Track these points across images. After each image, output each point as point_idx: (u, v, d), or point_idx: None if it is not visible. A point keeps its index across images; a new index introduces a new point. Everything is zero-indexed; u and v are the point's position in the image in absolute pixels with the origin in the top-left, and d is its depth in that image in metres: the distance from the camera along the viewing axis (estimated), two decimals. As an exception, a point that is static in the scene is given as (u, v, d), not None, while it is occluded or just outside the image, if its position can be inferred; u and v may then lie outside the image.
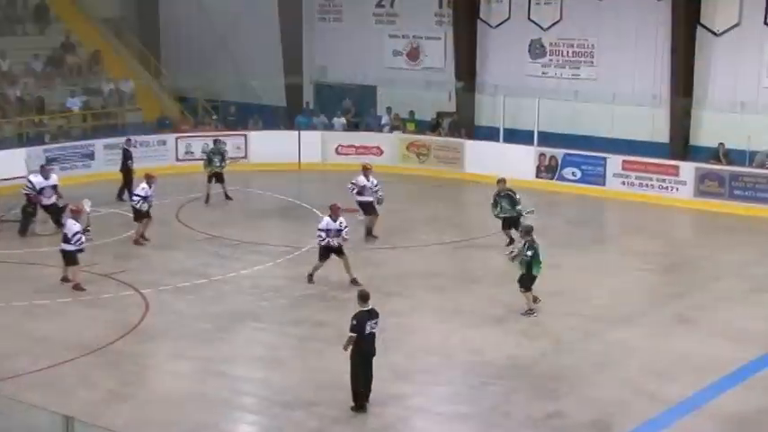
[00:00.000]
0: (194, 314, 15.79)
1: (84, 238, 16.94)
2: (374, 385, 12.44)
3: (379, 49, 29.66)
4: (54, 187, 20.57)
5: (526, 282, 15.64)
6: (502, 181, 19.29)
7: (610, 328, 15.25)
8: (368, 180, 19.96)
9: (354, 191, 19.99)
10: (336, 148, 27.77)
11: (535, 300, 15.78)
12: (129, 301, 16.37)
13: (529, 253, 15.49)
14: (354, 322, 12.21)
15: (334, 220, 17.01)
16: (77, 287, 16.79)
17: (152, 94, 30.74)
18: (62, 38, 30.20)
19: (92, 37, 31.16)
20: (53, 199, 20.45)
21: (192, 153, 27.41)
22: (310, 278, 17.22)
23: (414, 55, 29.43)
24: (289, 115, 30.02)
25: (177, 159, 27.21)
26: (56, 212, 20.34)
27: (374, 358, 12.43)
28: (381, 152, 27.63)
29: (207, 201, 23.30)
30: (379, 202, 20.03)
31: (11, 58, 28.47)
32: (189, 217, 22.14)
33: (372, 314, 12.38)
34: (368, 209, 20.02)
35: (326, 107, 29.87)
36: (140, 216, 19.71)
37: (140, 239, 19.63)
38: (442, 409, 12.41)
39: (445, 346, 14.52)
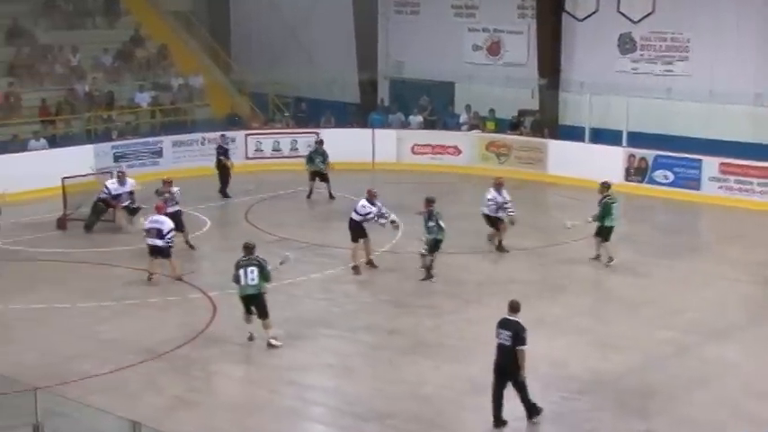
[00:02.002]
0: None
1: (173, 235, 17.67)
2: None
3: (457, 44, 29.55)
4: (130, 193, 21.13)
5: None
6: (605, 185, 18.93)
7: (705, 342, 14.92)
8: (499, 194, 19.45)
9: (492, 208, 19.37)
10: (412, 148, 27.74)
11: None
12: (197, 304, 16.54)
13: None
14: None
15: (372, 204, 18.35)
16: (179, 278, 17.50)
17: (221, 90, 31.11)
18: (131, 31, 30.75)
19: (161, 30, 31.66)
20: (127, 204, 21.11)
21: (261, 151, 27.67)
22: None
23: (494, 50, 29.25)
24: (362, 112, 30.09)
25: (247, 157, 27.48)
26: (131, 214, 21.04)
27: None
28: (459, 152, 27.54)
29: (309, 196, 23.98)
30: (512, 222, 19.52)
31: (81, 53, 29.07)
32: (258, 218, 22.31)
33: (503, 324, 12.13)
34: (495, 223, 19.57)
35: (402, 104, 29.87)
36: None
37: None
38: (521, 425, 12.26)
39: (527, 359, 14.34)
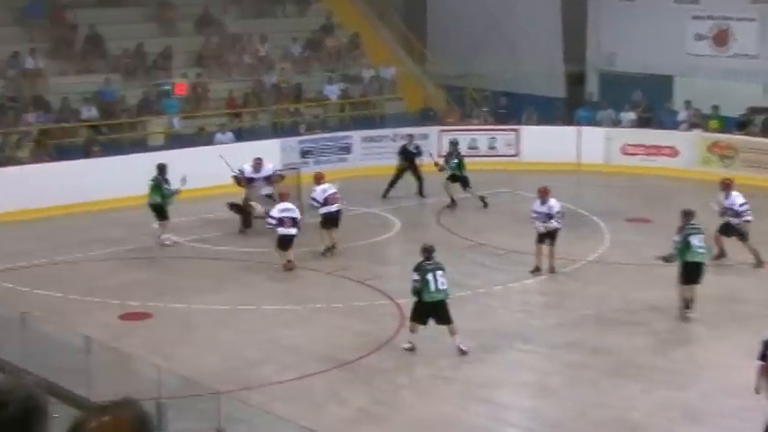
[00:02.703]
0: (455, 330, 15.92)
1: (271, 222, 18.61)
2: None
3: (678, 33, 28.75)
4: (267, 179, 21.59)
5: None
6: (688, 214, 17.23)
7: None
8: (726, 198, 18.83)
9: (720, 212, 18.81)
10: (622, 148, 27.21)
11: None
12: (384, 311, 16.78)
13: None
14: None
15: (543, 203, 18.29)
16: (287, 266, 18.58)
17: (415, 83, 31.45)
18: (322, 19, 31.52)
19: (353, 18, 32.31)
20: (267, 191, 21.46)
21: (456, 149, 27.77)
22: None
23: (721, 39, 28.29)
24: (568, 108, 29.74)
25: (440, 156, 27.62)
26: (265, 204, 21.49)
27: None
28: (676, 153, 26.79)
29: (451, 204, 23.60)
30: (742, 235, 18.59)
31: (270, 42, 30.05)
32: (451, 221, 22.42)
33: None
34: (729, 231, 18.88)
35: (612, 100, 29.31)
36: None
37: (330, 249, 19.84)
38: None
39: (749, 388, 13.79)
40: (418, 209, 23.44)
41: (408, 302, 16.82)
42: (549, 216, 18.49)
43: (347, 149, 27.09)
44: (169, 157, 23.80)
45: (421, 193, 24.28)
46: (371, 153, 26.59)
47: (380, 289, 17.76)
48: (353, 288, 17.86)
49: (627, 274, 18.50)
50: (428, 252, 15.12)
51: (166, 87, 27.06)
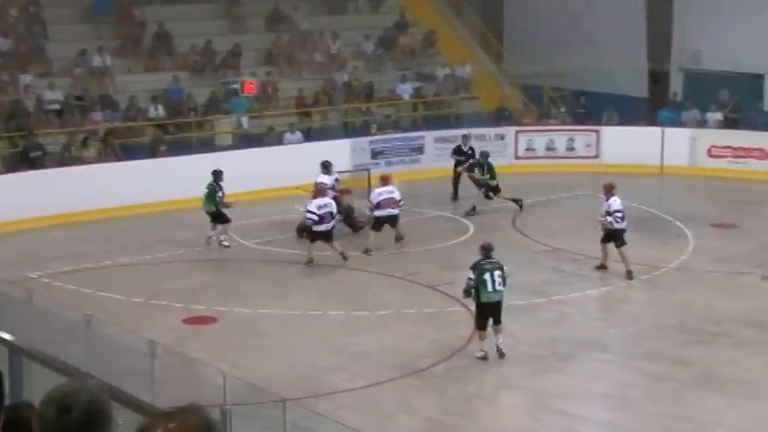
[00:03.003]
0: (530, 338, 15.87)
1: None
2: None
3: (770, 30, 28.26)
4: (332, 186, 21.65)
5: None
6: None
7: None
8: None
9: None
10: (708, 150, 26.83)
11: None
12: (456, 318, 16.74)
13: None
14: None
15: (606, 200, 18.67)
16: (309, 262, 19.31)
17: (491, 81, 31.37)
18: (396, 16, 31.59)
19: (428, 15, 32.33)
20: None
21: (533, 150, 27.67)
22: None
23: (817, 36, 27.75)
24: (651, 108, 29.42)
25: (516, 157, 27.57)
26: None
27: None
28: (767, 155, 26.33)
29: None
30: None
31: (341, 40, 30.19)
32: (527, 224, 22.31)
33: None
34: None
35: (698, 100, 28.92)
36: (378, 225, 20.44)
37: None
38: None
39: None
40: (492, 212, 23.33)
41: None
42: (608, 214, 18.41)
43: (419, 150, 27.09)
44: (237, 157, 24.17)
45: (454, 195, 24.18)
46: (444, 154, 26.42)
47: (453, 295, 17.71)
48: (425, 293, 17.86)
49: (711, 281, 18.25)
50: (486, 250, 15.15)
51: (235, 86, 27.32)
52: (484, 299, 14.91)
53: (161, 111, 26.28)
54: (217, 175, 20.57)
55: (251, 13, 30.04)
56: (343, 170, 23.23)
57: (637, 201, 23.92)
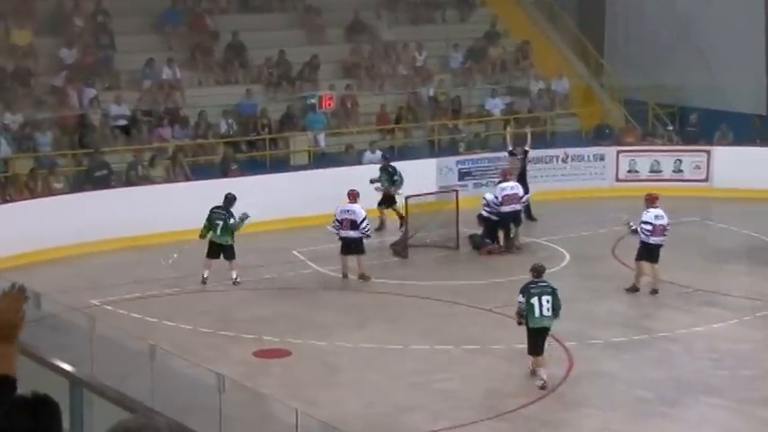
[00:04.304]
0: (630, 379, 15.74)
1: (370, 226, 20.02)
2: None
3: None
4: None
5: None
6: None
7: None
8: None
9: None
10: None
11: None
12: (549, 354, 16.64)
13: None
14: None
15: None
16: (363, 277, 19.98)
17: (590, 97, 31.24)
18: (486, 26, 31.63)
19: (521, 24, 32.35)
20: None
21: (636, 172, 27.46)
22: None
23: None
24: (768, 127, 29.02)
25: (617, 179, 27.36)
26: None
27: None
28: None
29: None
30: None
31: (427, 51, 30.31)
32: (631, 253, 22.10)
33: None
34: None
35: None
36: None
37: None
38: None
39: None
40: (589, 238, 23.19)
41: (578, 346, 16.75)
42: (642, 222, 19.26)
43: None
44: (313, 177, 24.38)
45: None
46: (539, 176, 26.32)
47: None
48: (515, 327, 17.78)
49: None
50: (537, 272, 15.50)
51: (312, 100, 27.59)
52: (532, 324, 15.28)
53: (233, 127, 26.64)
54: (230, 201, 20.35)
55: (329, 23, 30.33)
56: (427, 191, 23.32)
57: (751, 228, 23.63)
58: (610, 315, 18.51)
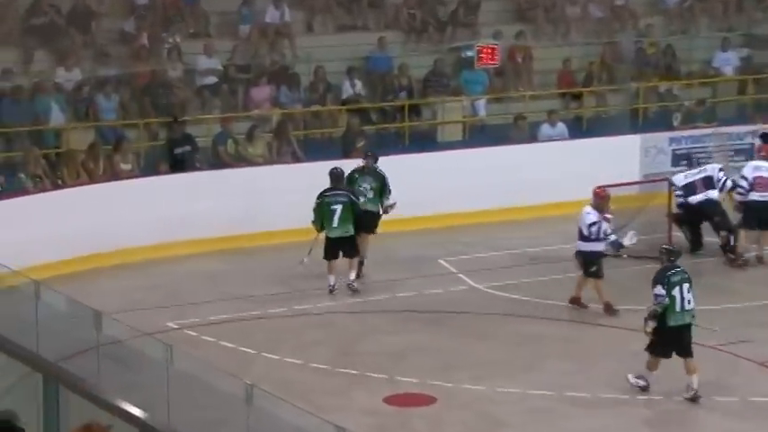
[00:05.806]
0: None
1: (605, 228, 19.76)
2: None
3: None
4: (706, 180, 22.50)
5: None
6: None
7: None
8: None
9: None
10: None
11: None
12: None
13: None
14: None
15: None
16: (608, 308, 19.74)
17: None
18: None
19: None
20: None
21: None
22: None
23: None
24: None
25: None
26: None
27: None
28: None
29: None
30: None
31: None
32: None
33: None
34: None
35: None
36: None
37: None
38: None
39: None
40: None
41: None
42: None
43: (748, 153, 26.49)
44: (469, 158, 24.42)
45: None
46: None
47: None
48: (752, 372, 17.63)
49: None
50: (673, 255, 16.20)
51: (469, 54, 27.58)
52: (671, 322, 15.85)
53: (360, 89, 26.76)
54: (338, 177, 20.87)
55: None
56: (627, 181, 23.24)
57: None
58: None
